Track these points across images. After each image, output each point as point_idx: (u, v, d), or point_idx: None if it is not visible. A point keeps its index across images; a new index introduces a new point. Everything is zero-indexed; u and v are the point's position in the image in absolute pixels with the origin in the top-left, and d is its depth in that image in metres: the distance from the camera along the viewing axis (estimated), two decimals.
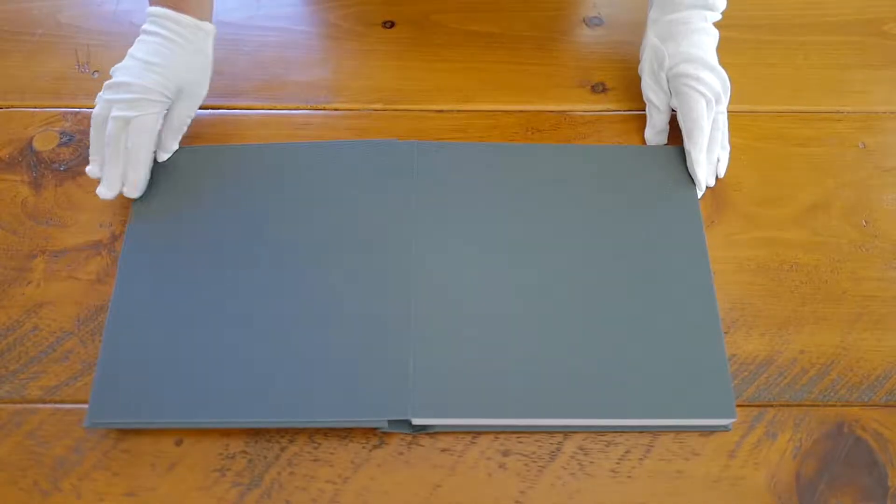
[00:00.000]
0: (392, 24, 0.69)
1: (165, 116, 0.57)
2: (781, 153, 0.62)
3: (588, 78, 0.66)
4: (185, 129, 0.59)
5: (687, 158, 0.58)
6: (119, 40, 0.67)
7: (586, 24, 0.69)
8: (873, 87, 0.66)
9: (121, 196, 0.58)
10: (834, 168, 0.61)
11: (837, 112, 0.64)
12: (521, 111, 0.64)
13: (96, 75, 0.65)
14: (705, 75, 0.57)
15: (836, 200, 0.59)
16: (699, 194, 0.58)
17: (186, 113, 0.58)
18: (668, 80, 0.58)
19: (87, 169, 0.56)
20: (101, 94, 0.56)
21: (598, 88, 0.65)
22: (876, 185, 0.60)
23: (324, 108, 0.64)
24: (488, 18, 0.69)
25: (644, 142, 0.62)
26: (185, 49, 0.56)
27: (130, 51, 0.56)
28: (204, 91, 0.59)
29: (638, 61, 0.63)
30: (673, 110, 0.60)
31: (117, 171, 0.56)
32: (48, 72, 0.65)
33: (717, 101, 0.58)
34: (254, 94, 0.64)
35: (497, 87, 0.65)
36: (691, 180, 0.58)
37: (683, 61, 0.57)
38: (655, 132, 0.61)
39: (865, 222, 0.58)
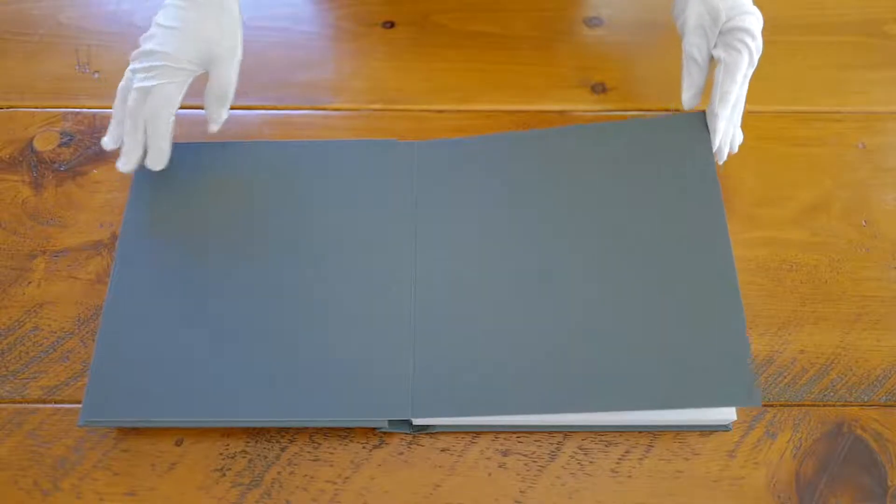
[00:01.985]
0: (392, 25, 0.69)
1: (206, 84, 0.55)
2: (781, 153, 0.62)
3: (588, 78, 0.66)
4: (231, 95, 0.56)
5: (709, 120, 0.54)
6: (119, 40, 0.67)
7: (586, 25, 0.69)
8: (873, 87, 0.66)
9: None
10: (834, 168, 0.61)
11: (837, 112, 0.64)
12: (521, 111, 0.64)
13: (97, 76, 0.65)
14: (756, 27, 0.54)
15: (836, 200, 0.59)
16: (721, 159, 0.55)
17: (225, 79, 0.55)
18: (718, 34, 0.54)
19: (103, 140, 0.55)
20: (129, 67, 0.54)
21: (598, 88, 0.65)
22: (875, 185, 0.60)
23: (324, 108, 0.64)
24: (488, 18, 0.69)
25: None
26: (207, 9, 0.54)
27: (155, 18, 0.54)
28: (237, 53, 0.55)
29: (638, 59, 0.62)
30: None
31: (137, 143, 0.54)
32: (49, 72, 0.66)
33: (758, 51, 0.54)
34: (254, 94, 0.64)
35: (497, 87, 0.65)
36: (709, 154, 0.55)
37: (742, 13, 0.53)
38: (694, 94, 0.57)
39: (865, 222, 0.58)
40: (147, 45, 0.53)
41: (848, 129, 0.63)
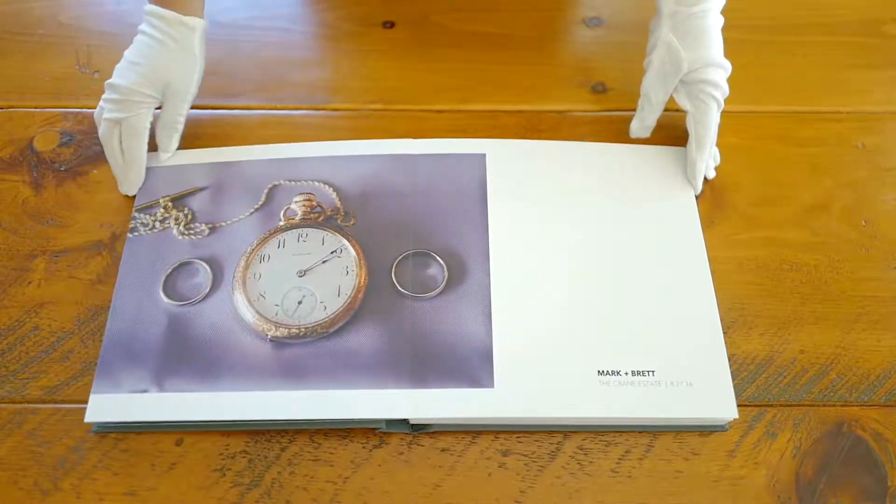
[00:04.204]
0: (392, 25, 0.69)
1: (158, 115, 0.58)
2: (781, 153, 0.62)
3: (588, 78, 0.66)
4: (181, 127, 0.59)
5: (689, 165, 0.58)
6: (119, 40, 0.67)
7: (586, 24, 0.69)
8: (873, 87, 0.66)
9: (121, 196, 0.58)
10: (833, 168, 0.61)
11: (837, 112, 0.64)
12: (521, 111, 0.64)
13: (97, 75, 0.65)
14: (721, 78, 0.56)
15: (836, 200, 0.59)
16: (697, 190, 0.58)
17: (176, 111, 0.58)
18: (681, 83, 0.57)
19: None
20: (102, 96, 0.57)
21: (598, 88, 0.65)
22: (875, 185, 0.60)
23: (323, 108, 0.64)
24: (488, 18, 0.69)
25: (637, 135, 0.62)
26: (169, 47, 0.56)
27: (125, 52, 0.57)
28: (192, 89, 0.58)
29: (638, 59, 0.62)
30: (675, 110, 0.59)
31: (117, 171, 0.57)
32: (49, 72, 0.66)
33: (724, 97, 0.57)
34: (254, 94, 0.64)
35: (497, 87, 0.65)
36: (689, 181, 0.58)
37: (705, 66, 0.55)
38: (643, 126, 0.61)
39: (865, 222, 0.58)
40: (113, 79, 0.56)
41: (848, 129, 0.63)
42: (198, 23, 0.57)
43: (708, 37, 0.56)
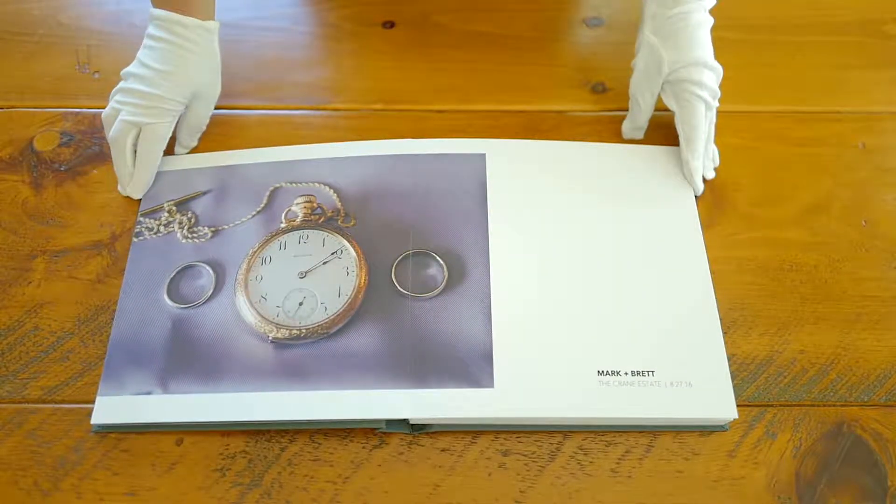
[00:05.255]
0: (392, 24, 0.69)
1: (182, 117, 0.58)
2: (781, 153, 0.62)
3: (588, 78, 0.66)
4: (204, 127, 0.60)
5: (684, 165, 0.58)
6: (119, 40, 0.67)
7: (586, 25, 0.69)
8: (873, 87, 0.66)
9: (121, 196, 0.58)
10: (833, 168, 0.61)
11: (837, 112, 0.64)
12: (521, 111, 0.64)
13: (97, 75, 0.65)
14: (706, 77, 0.56)
15: (836, 200, 0.59)
16: (698, 191, 0.58)
17: (204, 113, 0.59)
18: (666, 83, 0.57)
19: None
20: (112, 97, 0.56)
21: (598, 88, 0.65)
22: (876, 185, 0.60)
23: (324, 108, 0.64)
24: (488, 18, 0.69)
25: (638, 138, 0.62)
26: (195, 53, 0.56)
27: (140, 56, 0.56)
28: (218, 90, 0.59)
29: None
30: (664, 110, 0.59)
31: (123, 172, 0.57)
32: (48, 72, 0.66)
33: (714, 97, 0.57)
34: (254, 94, 0.64)
35: (497, 87, 0.65)
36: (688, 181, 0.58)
37: (686, 65, 0.56)
38: (634, 127, 0.61)
39: (865, 222, 0.58)
40: (137, 85, 0.55)
41: (848, 129, 0.63)
42: (215, 26, 0.57)
43: (690, 38, 0.56)
